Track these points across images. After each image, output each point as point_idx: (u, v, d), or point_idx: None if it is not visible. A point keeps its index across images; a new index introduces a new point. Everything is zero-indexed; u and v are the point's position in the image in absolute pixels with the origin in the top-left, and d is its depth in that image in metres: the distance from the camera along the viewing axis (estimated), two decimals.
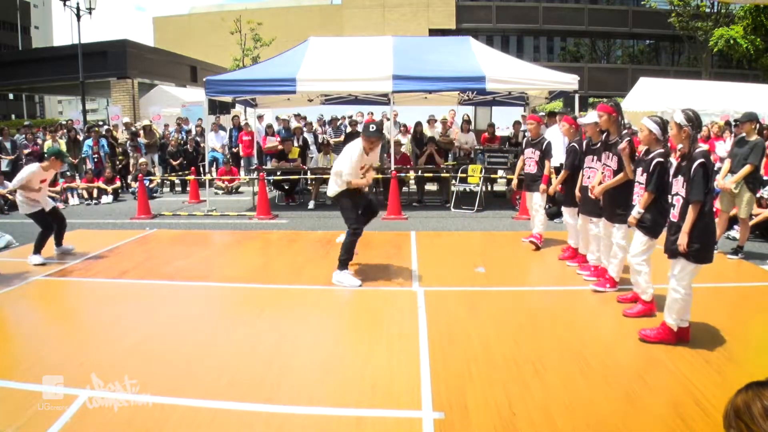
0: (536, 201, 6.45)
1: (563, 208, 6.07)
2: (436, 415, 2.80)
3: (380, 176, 10.30)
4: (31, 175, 5.95)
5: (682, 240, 3.42)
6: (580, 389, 3.09)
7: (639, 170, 4.18)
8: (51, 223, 6.17)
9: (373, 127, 5.07)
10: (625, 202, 4.61)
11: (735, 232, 6.81)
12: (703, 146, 3.59)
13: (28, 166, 6.14)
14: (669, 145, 4.12)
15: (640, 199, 4.08)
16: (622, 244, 4.70)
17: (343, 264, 5.15)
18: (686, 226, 3.42)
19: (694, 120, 3.50)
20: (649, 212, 4.04)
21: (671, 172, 3.73)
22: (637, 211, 4.07)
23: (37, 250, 6.00)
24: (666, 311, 3.65)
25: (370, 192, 5.23)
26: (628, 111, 15.14)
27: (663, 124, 4.06)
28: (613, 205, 4.71)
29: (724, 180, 6.12)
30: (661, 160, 3.98)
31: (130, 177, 12.54)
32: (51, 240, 6.21)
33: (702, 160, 3.39)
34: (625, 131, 4.83)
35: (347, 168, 5.02)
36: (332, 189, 5.23)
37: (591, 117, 5.22)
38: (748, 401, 1.22)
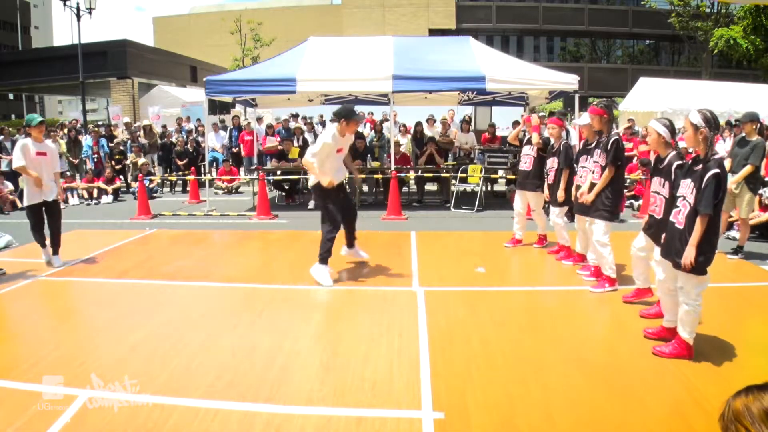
0: (534, 201, 6.36)
1: (551, 208, 5.93)
2: (436, 415, 2.80)
3: (380, 176, 10.32)
4: (23, 147, 5.56)
5: (690, 254, 3.21)
6: (580, 389, 3.09)
7: (657, 180, 3.89)
8: (41, 222, 5.74)
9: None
10: (607, 199, 4.66)
11: (735, 232, 6.81)
12: (720, 153, 3.30)
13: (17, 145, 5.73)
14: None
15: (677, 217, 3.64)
16: (603, 240, 4.73)
17: (324, 259, 5.12)
18: (694, 239, 3.21)
19: (711, 121, 3.26)
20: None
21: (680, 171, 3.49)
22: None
23: (43, 245, 5.79)
24: (679, 325, 3.47)
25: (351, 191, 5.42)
26: (627, 111, 15.21)
27: (671, 126, 3.93)
28: (595, 201, 4.75)
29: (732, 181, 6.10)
30: (680, 162, 3.72)
31: (129, 177, 12.54)
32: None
33: (717, 170, 3.16)
34: (615, 131, 4.87)
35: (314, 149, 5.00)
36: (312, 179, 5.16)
37: (586, 118, 5.23)
38: (747, 404, 1.21)
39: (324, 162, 5.00)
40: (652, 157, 4.56)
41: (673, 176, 3.68)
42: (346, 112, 5.08)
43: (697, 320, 3.44)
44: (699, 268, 3.29)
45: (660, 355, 3.48)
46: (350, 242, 5.64)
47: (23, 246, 6.81)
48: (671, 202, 3.60)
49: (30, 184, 5.67)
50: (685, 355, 3.44)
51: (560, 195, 5.70)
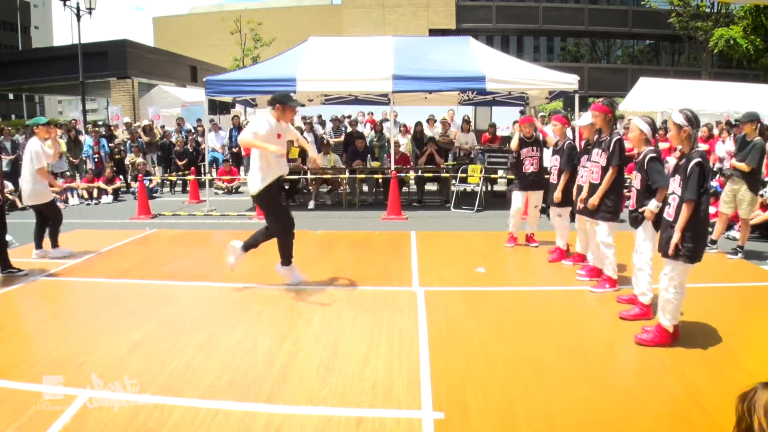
0: (538, 200, 6.37)
1: (555, 208, 5.85)
2: (436, 415, 2.80)
3: (380, 176, 10.32)
4: (39, 148, 5.92)
5: (675, 238, 3.41)
6: (580, 389, 3.09)
7: (633, 173, 4.19)
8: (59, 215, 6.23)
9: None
10: (609, 200, 4.67)
11: (735, 232, 6.81)
12: (702, 146, 3.62)
13: (29, 146, 6.02)
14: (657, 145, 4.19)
15: (640, 195, 4.09)
16: (608, 241, 4.72)
17: (288, 259, 5.02)
18: (680, 224, 3.40)
19: (692, 119, 3.49)
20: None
21: (670, 170, 3.76)
22: (655, 205, 3.95)
23: (40, 246, 6.07)
24: (660, 312, 3.64)
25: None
26: (628, 111, 15.21)
27: (653, 125, 4.16)
28: (598, 203, 4.75)
29: (732, 161, 6.17)
30: (654, 155, 4.06)
31: (129, 177, 12.54)
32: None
33: (699, 159, 3.39)
34: (616, 130, 4.86)
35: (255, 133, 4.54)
36: (255, 185, 4.80)
37: (586, 118, 5.22)
38: None
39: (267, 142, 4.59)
40: None
41: (646, 167, 4.01)
42: (281, 97, 4.88)
43: (678, 309, 3.58)
44: (686, 254, 3.44)
45: (642, 343, 3.62)
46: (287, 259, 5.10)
47: (23, 246, 6.80)
48: (644, 193, 4.03)
49: (44, 183, 6.02)
50: (665, 342, 3.58)
51: (557, 196, 5.68)
